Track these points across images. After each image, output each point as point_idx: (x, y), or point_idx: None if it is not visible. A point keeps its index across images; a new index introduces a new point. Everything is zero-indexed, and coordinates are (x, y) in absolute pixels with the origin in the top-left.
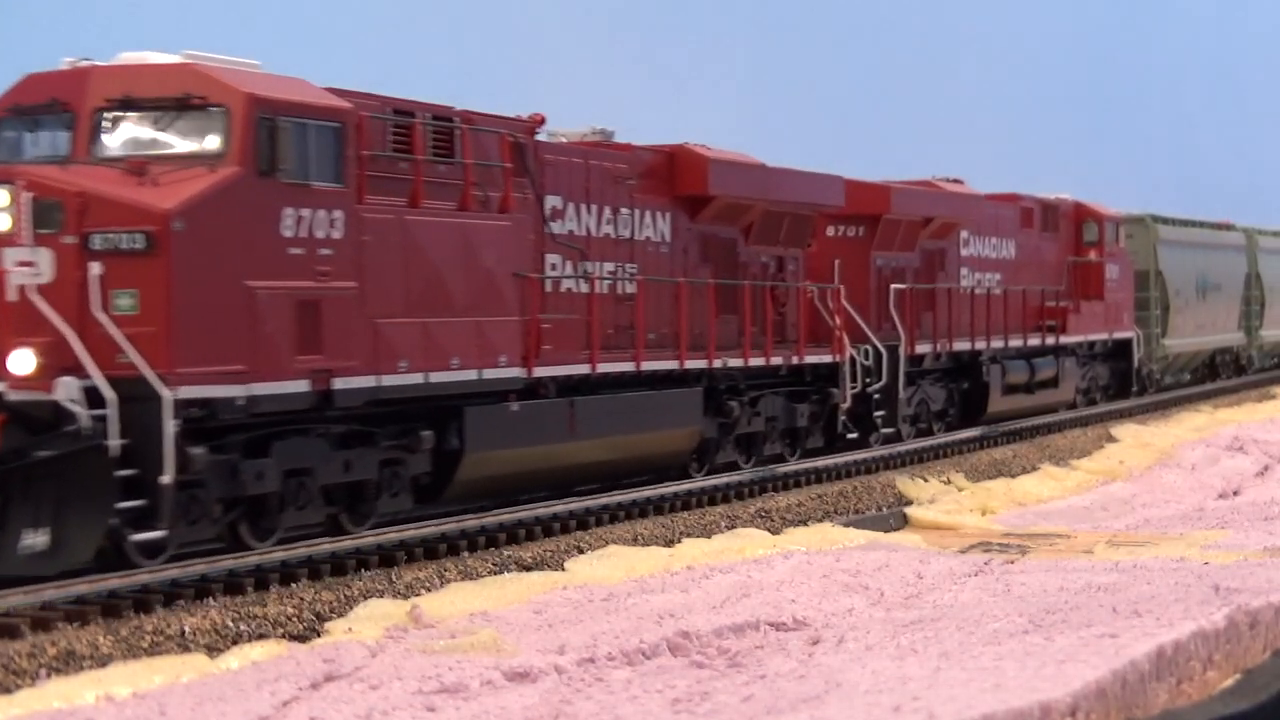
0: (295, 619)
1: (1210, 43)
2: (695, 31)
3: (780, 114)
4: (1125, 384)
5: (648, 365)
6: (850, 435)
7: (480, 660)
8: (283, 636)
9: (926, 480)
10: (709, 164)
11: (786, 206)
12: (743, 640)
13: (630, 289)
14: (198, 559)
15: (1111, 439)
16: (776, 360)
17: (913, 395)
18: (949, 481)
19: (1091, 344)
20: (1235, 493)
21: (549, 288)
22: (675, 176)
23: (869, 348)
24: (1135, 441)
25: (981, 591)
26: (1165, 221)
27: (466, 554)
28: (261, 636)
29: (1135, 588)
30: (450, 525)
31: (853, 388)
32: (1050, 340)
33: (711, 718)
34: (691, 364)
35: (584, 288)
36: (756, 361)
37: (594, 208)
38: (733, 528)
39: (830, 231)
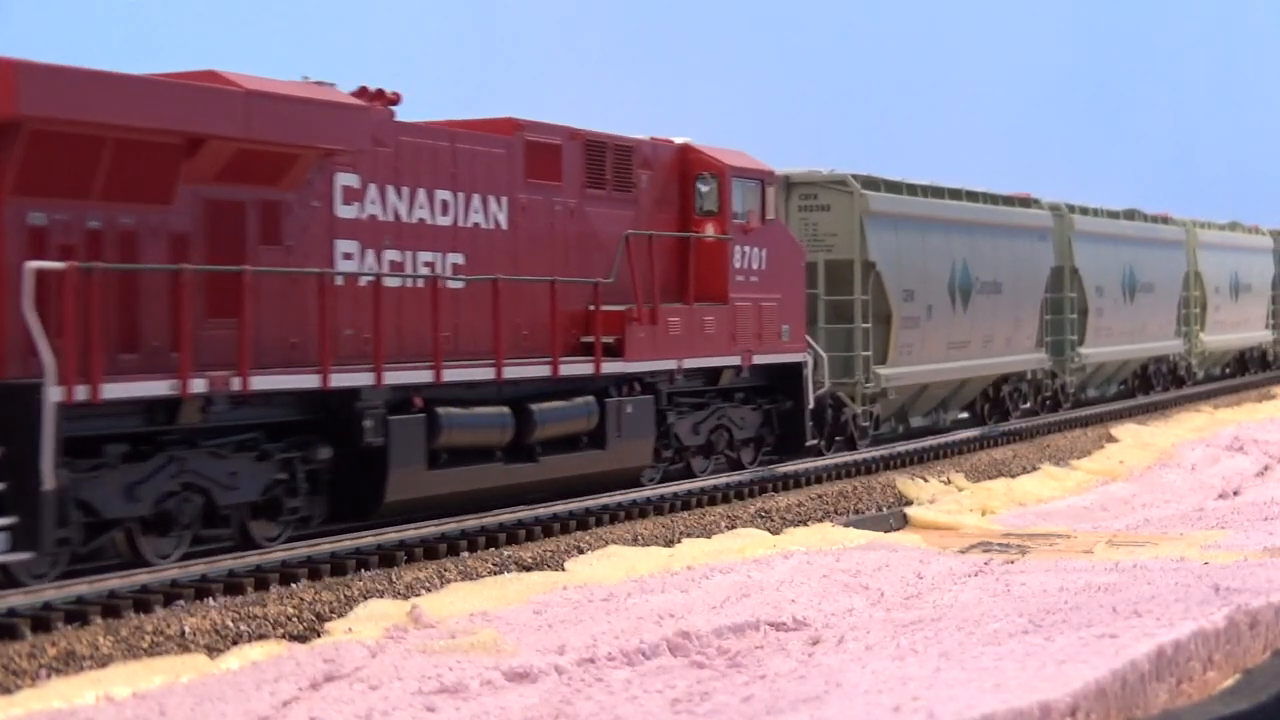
0: (295, 619)
1: (1209, 42)
2: (693, 31)
3: (776, 113)
4: (795, 434)
5: None
6: None
7: (480, 660)
8: (283, 636)
9: (926, 480)
10: None
11: None
12: (743, 640)
13: None
14: (198, 559)
15: (1111, 439)
16: None
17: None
18: (949, 481)
19: (716, 373)
20: (1235, 493)
21: None
22: None
23: None
24: (1135, 441)
25: (981, 591)
26: (888, 187)
27: (466, 554)
28: (261, 636)
29: (1135, 588)
30: (450, 525)
31: None
32: (585, 368)
33: (711, 718)
34: None
35: None
36: None
37: None
38: (733, 528)
39: None
